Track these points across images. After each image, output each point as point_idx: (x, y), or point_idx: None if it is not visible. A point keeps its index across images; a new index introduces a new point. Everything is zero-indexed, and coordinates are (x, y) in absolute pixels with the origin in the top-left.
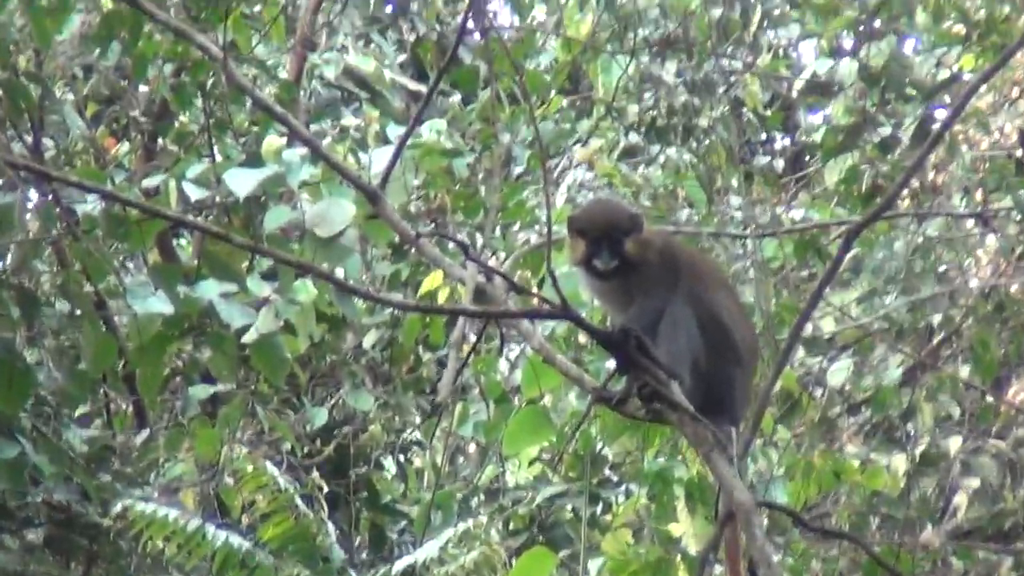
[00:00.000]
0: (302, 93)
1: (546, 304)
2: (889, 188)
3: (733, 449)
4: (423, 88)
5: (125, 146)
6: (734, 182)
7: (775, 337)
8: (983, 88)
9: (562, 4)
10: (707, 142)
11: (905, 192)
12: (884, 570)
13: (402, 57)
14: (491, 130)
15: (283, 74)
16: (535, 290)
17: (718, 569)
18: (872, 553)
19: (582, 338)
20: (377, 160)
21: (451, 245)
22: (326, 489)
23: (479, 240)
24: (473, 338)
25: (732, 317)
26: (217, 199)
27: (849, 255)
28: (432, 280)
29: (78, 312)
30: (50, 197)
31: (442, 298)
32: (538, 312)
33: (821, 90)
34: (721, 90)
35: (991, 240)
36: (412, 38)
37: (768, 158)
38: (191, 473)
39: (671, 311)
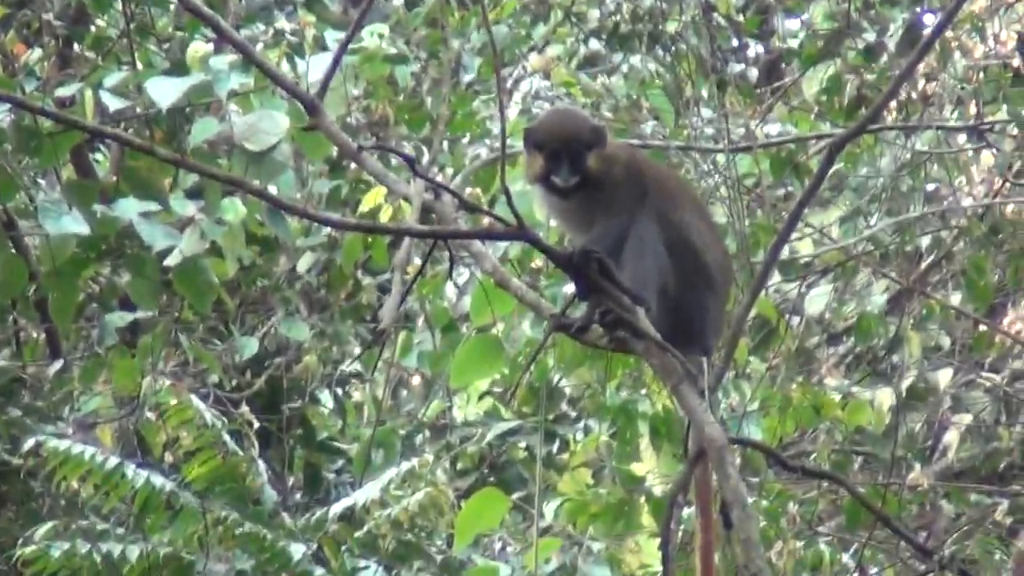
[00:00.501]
0: None
1: (500, 223)
2: (875, 99)
3: (704, 381)
4: None
5: (37, 52)
6: (704, 93)
7: (750, 260)
8: None
9: None
10: (675, 50)
11: (892, 103)
12: (868, 512)
13: None
14: (439, 35)
15: None
16: (487, 208)
17: (687, 512)
18: (855, 494)
19: (538, 261)
20: (314, 68)
21: (395, 160)
22: (257, 425)
23: (426, 155)
24: (419, 261)
25: (703, 238)
26: (138, 110)
27: (830, 171)
28: (373, 197)
29: None
30: None
31: (385, 217)
32: (491, 232)
33: None
34: None
35: (986, 156)
36: None
37: (742, 67)
38: (109, 407)
39: (636, 231)
